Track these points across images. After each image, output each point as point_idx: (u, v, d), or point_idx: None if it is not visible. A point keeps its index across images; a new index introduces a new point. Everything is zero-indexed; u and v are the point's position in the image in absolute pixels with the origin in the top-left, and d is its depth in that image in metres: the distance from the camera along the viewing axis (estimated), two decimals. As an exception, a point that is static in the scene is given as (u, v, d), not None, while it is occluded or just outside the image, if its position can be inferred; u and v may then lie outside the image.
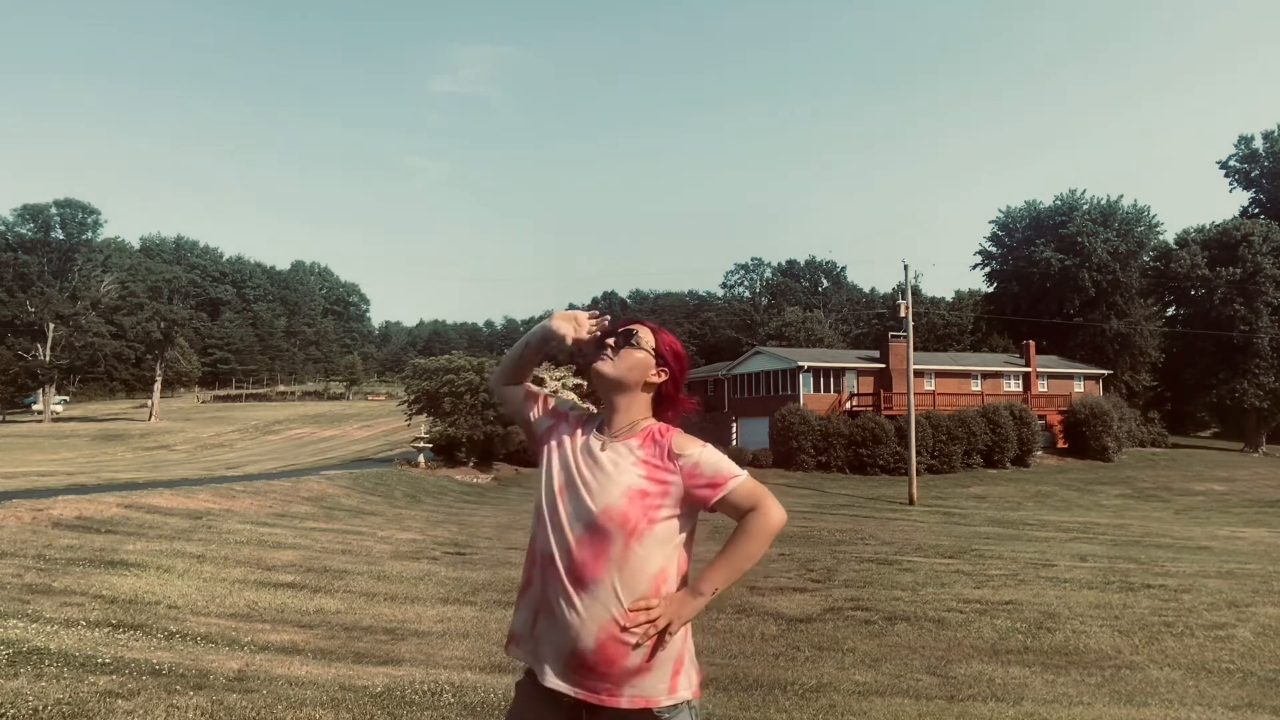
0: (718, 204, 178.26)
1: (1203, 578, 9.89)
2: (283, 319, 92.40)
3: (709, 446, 1.88)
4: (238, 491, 17.15)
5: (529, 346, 2.02)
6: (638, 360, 1.94)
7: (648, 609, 1.76)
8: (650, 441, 1.89)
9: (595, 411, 2.04)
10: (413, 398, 31.69)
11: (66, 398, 67.32)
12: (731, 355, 51.30)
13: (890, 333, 39.79)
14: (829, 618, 7.19)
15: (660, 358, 1.97)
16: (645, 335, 1.97)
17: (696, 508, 1.85)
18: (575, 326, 1.92)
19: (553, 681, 1.78)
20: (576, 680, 1.77)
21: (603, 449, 1.89)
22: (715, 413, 42.84)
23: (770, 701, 4.71)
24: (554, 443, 1.96)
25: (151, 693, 4.25)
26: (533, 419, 2.04)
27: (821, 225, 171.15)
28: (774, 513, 1.82)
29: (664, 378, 1.97)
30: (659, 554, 1.80)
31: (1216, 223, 50.46)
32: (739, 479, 1.82)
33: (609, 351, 1.93)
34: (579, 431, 1.96)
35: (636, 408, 1.95)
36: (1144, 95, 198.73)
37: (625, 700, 1.77)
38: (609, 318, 1.95)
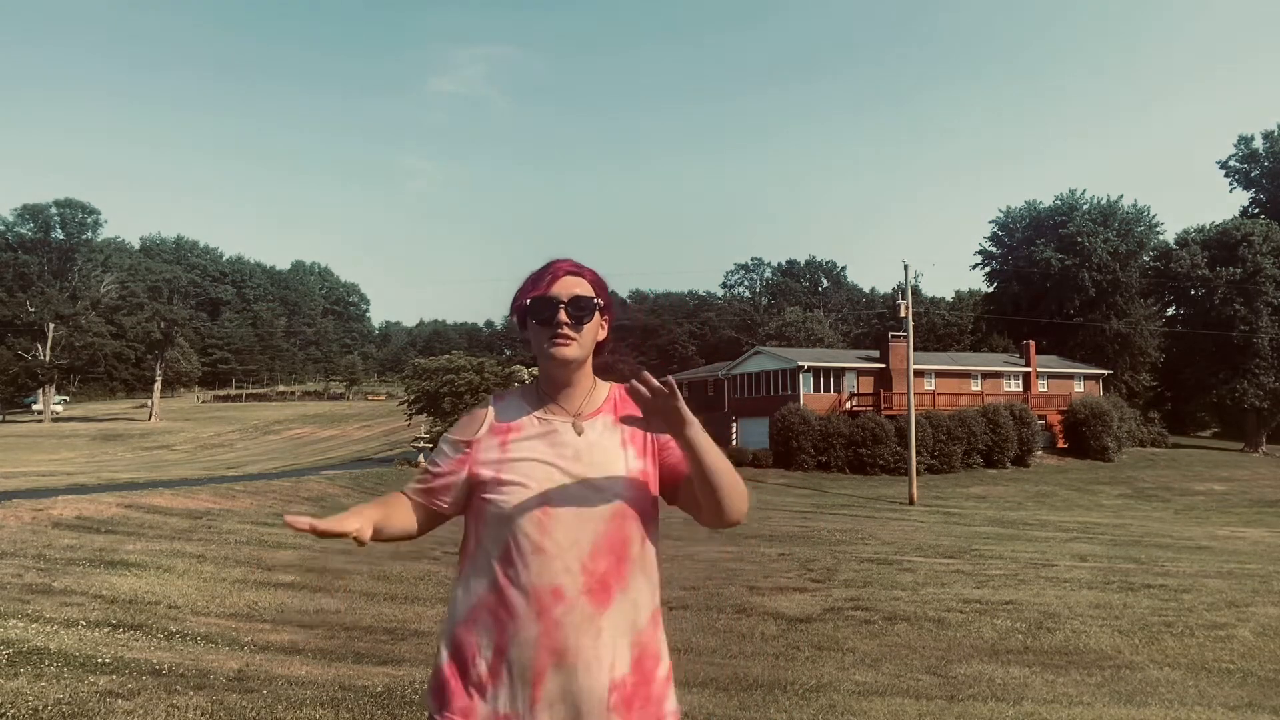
0: (718, 203, 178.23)
1: (1203, 578, 9.89)
2: (283, 319, 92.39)
3: None
4: (238, 491, 17.16)
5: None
6: (594, 326, 1.62)
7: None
8: (623, 410, 1.61)
9: (506, 394, 1.68)
10: (413, 398, 31.73)
11: (66, 398, 67.31)
12: (731, 355, 51.30)
13: (890, 333, 39.79)
14: (829, 618, 7.19)
15: (604, 308, 1.65)
16: (591, 292, 1.62)
17: (670, 478, 1.63)
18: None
19: None
20: (616, 717, 1.49)
21: (579, 432, 1.59)
22: (715, 413, 42.83)
23: (770, 701, 4.71)
24: (488, 461, 1.57)
25: (151, 693, 4.25)
26: (457, 475, 1.60)
27: (822, 225, 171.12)
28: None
29: (606, 329, 1.67)
30: (658, 528, 1.64)
31: (1216, 223, 50.55)
32: None
33: (565, 329, 1.57)
34: (513, 430, 1.60)
35: (588, 372, 1.65)
36: (1144, 95, 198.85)
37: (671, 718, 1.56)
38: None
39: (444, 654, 1.55)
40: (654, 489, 1.61)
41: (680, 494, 1.62)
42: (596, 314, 1.61)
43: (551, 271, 1.62)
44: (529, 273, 1.65)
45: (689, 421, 1.45)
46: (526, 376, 34.16)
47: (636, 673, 1.52)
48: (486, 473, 1.56)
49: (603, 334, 1.66)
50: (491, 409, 1.64)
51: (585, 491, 1.53)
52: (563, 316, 1.57)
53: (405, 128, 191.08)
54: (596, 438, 1.59)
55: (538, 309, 1.58)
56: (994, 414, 36.30)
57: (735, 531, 14.98)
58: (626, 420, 1.54)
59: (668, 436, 1.56)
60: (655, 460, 1.63)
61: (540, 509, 1.51)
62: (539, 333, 1.59)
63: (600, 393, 1.66)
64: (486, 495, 1.55)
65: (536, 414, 1.61)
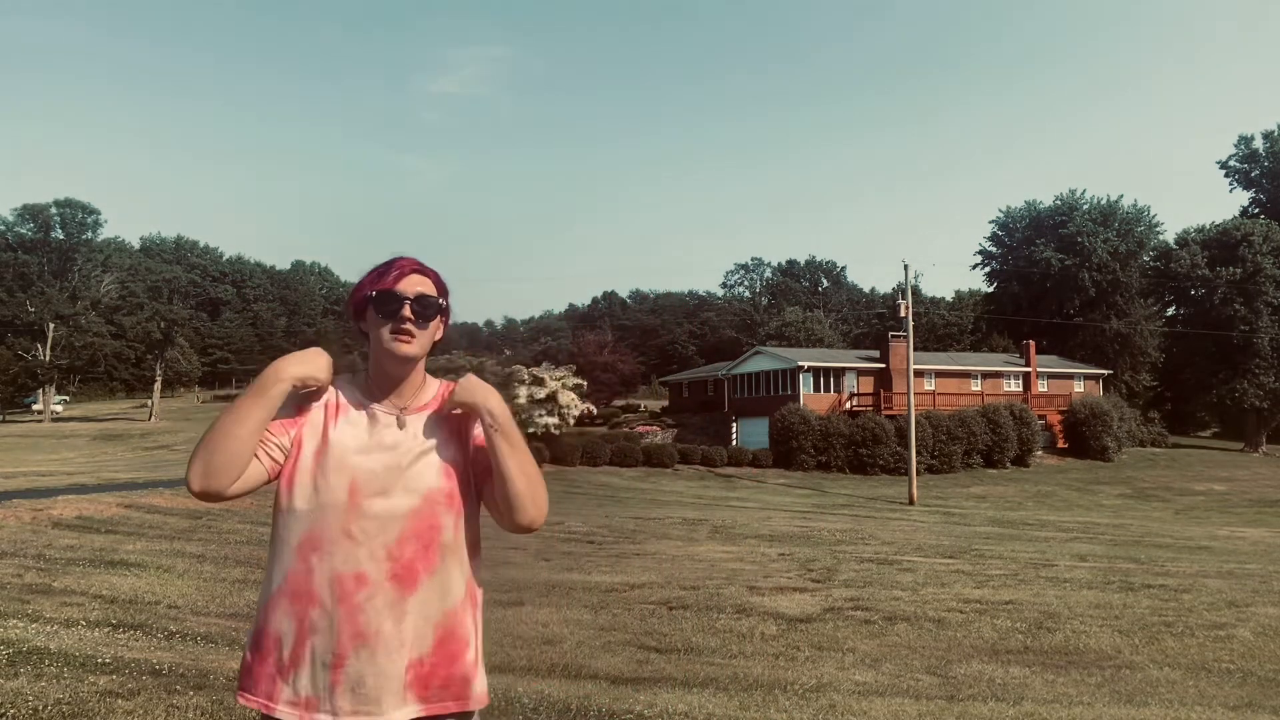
0: (718, 203, 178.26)
1: (1203, 578, 9.89)
2: (283, 319, 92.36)
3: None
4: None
5: (249, 420, 1.51)
6: (434, 326, 1.65)
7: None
8: (449, 405, 1.65)
9: (338, 379, 1.67)
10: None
11: (66, 398, 67.23)
12: (731, 355, 51.32)
13: (890, 333, 39.81)
14: (829, 618, 7.19)
15: (444, 310, 1.69)
16: (434, 292, 1.66)
17: (479, 476, 1.68)
18: (323, 365, 1.58)
19: (395, 717, 1.51)
20: (423, 698, 1.54)
21: (400, 426, 1.61)
22: (715, 412, 42.82)
23: (770, 701, 4.70)
24: (308, 444, 1.58)
25: (151, 693, 4.24)
26: (279, 462, 1.57)
27: (822, 225, 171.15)
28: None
29: (442, 331, 1.71)
30: (478, 513, 1.66)
31: (1216, 223, 50.57)
32: None
33: (409, 325, 1.60)
34: (334, 417, 1.60)
35: (420, 369, 1.67)
36: (1144, 95, 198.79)
37: (474, 702, 1.59)
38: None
39: (253, 641, 1.56)
40: (481, 473, 1.64)
41: (485, 493, 1.65)
42: (439, 315, 1.65)
43: (397, 267, 1.63)
44: (371, 267, 1.67)
45: (492, 421, 1.58)
46: (526, 376, 34.19)
47: (438, 654, 1.55)
48: (307, 449, 1.57)
49: (439, 335, 1.69)
50: (314, 394, 1.63)
51: (397, 480, 1.55)
52: (406, 313, 1.59)
53: (405, 127, 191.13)
54: (418, 431, 1.62)
55: (382, 303, 1.60)
56: (994, 414, 36.31)
57: (735, 532, 14.99)
58: (449, 406, 1.64)
59: (480, 434, 1.65)
60: (482, 448, 1.65)
61: (349, 496, 1.53)
62: (380, 327, 1.60)
63: (429, 389, 1.68)
64: (296, 480, 1.55)
65: (362, 403, 1.63)
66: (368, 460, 1.56)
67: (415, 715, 1.54)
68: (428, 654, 1.55)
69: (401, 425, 1.61)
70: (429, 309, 1.62)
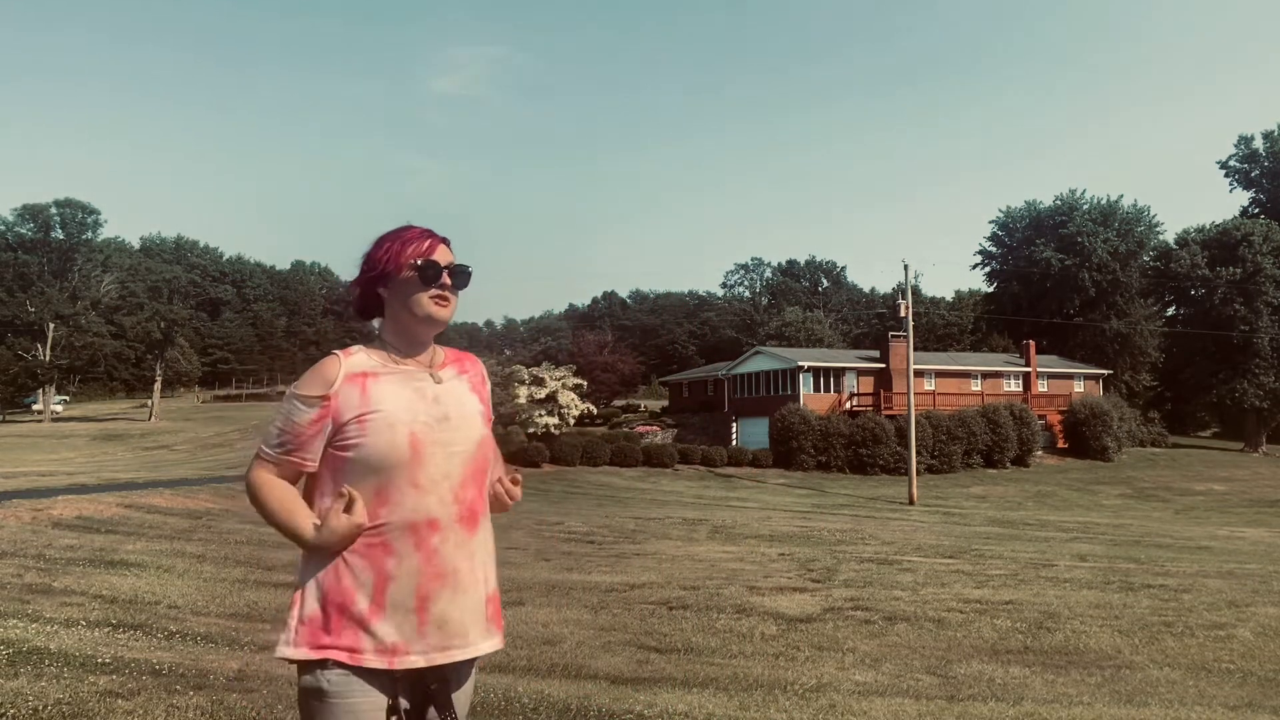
0: (718, 203, 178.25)
1: (1203, 578, 9.89)
2: (283, 319, 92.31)
3: None
4: (238, 491, 17.15)
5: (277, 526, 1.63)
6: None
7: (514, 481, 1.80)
8: (464, 368, 1.80)
9: (351, 349, 1.71)
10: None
11: (66, 398, 67.18)
12: (731, 355, 51.32)
13: (890, 333, 39.83)
14: (829, 618, 7.19)
15: None
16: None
17: None
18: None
19: (477, 649, 1.63)
20: (493, 628, 1.68)
21: (438, 381, 1.71)
22: (715, 412, 42.82)
23: (770, 701, 4.70)
24: (347, 414, 1.60)
25: (151, 693, 4.24)
26: (320, 430, 1.62)
27: (822, 225, 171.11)
28: None
29: None
30: None
31: (1216, 223, 50.59)
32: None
33: (449, 293, 1.71)
34: (369, 376, 1.64)
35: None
36: (1144, 95, 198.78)
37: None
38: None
39: (313, 601, 1.57)
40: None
41: None
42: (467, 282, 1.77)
43: (429, 237, 1.73)
44: (384, 234, 1.75)
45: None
46: (526, 376, 34.16)
47: (497, 587, 1.73)
48: (350, 419, 1.60)
49: None
50: (342, 361, 1.67)
51: (449, 428, 1.65)
52: (447, 280, 1.71)
53: (405, 127, 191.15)
54: (451, 385, 1.73)
55: (428, 270, 1.68)
56: (994, 414, 36.32)
57: (735, 532, 15.01)
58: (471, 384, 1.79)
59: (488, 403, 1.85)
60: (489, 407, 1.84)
61: (411, 447, 1.59)
62: (418, 293, 1.68)
63: (440, 351, 1.80)
64: (351, 440, 1.59)
65: (393, 366, 1.69)
66: (419, 415, 1.63)
67: (496, 648, 1.68)
68: (494, 590, 1.70)
69: (439, 381, 1.71)
70: (464, 277, 1.75)
